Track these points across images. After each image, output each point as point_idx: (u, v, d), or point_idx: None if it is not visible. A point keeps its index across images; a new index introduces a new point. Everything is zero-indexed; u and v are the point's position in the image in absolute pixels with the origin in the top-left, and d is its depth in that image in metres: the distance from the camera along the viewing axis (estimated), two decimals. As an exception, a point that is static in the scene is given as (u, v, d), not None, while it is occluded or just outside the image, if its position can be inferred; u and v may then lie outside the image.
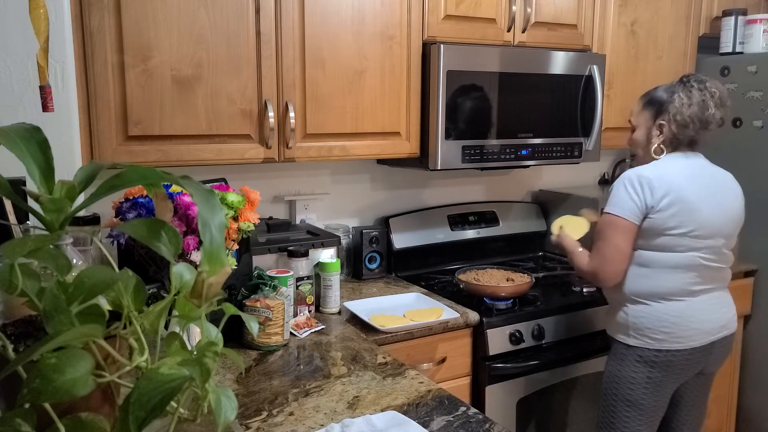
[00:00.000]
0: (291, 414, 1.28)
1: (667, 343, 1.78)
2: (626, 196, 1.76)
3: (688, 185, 1.77)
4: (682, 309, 1.79)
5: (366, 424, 1.19)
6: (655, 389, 1.81)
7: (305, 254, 1.85)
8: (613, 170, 2.99)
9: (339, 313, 1.94)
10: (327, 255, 1.95)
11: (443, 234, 2.49)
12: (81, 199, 0.75)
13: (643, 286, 1.80)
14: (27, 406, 0.61)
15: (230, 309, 0.77)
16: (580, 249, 1.91)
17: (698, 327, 1.80)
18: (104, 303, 0.71)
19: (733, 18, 2.67)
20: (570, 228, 2.05)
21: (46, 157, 0.73)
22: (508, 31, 2.22)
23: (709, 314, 1.82)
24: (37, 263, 0.73)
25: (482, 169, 2.25)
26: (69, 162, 1.50)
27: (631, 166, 1.91)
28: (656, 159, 1.84)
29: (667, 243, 1.77)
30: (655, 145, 1.85)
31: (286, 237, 1.96)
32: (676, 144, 1.84)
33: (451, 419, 1.26)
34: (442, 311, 1.91)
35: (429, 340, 1.89)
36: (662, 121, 1.83)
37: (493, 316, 1.98)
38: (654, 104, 1.86)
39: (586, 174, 2.97)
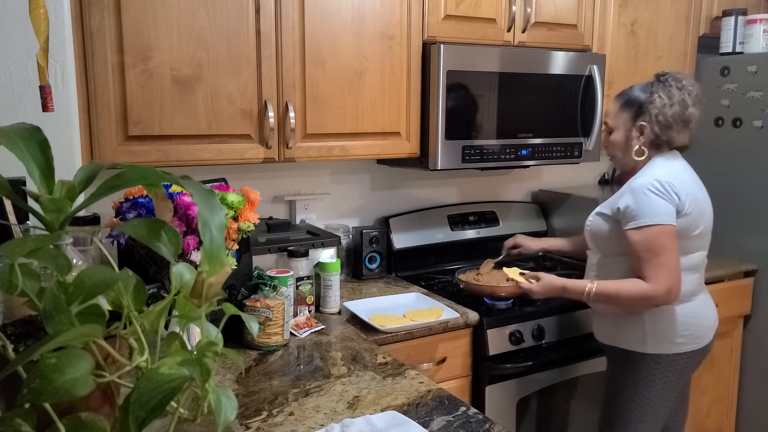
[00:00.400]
0: (291, 414, 1.28)
1: (686, 345, 1.78)
2: (662, 202, 1.68)
3: (695, 185, 1.78)
4: (696, 309, 1.81)
5: (366, 424, 1.19)
6: (671, 392, 1.81)
7: (305, 254, 1.85)
8: (613, 170, 2.99)
9: (339, 313, 1.94)
10: (327, 255, 1.95)
11: (443, 234, 2.49)
12: (81, 199, 0.75)
13: None
14: (27, 406, 0.61)
15: (230, 309, 0.77)
16: (592, 283, 1.76)
17: (708, 324, 1.83)
18: (104, 303, 0.71)
19: (733, 18, 2.67)
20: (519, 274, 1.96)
21: (46, 157, 0.73)
22: (508, 31, 2.22)
23: (710, 310, 1.86)
24: (37, 263, 0.73)
25: (482, 169, 2.25)
26: (69, 162, 1.50)
27: (615, 170, 1.90)
28: (637, 161, 1.81)
29: (687, 246, 1.76)
30: (636, 147, 1.81)
31: (286, 237, 1.96)
32: (658, 144, 1.81)
33: (451, 419, 1.26)
34: (442, 311, 1.91)
35: (429, 340, 1.89)
36: (643, 122, 1.78)
37: (493, 316, 1.98)
38: (632, 105, 1.81)
39: (586, 174, 2.97)
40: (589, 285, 1.77)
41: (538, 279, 1.88)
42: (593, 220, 1.85)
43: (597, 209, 1.85)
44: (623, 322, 1.81)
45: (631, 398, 1.80)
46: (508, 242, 2.26)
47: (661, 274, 1.67)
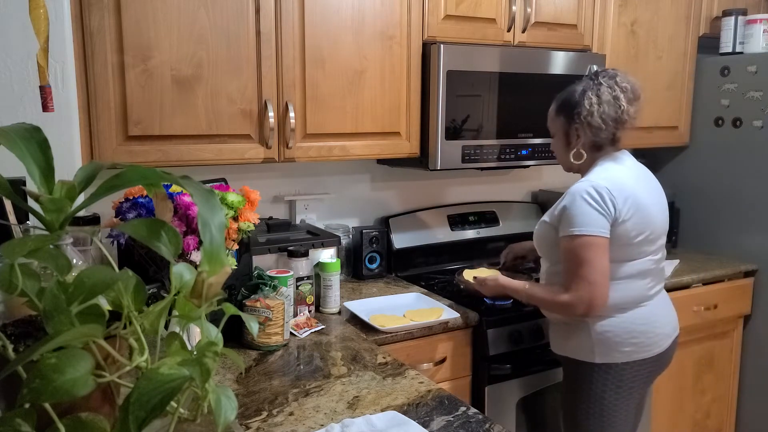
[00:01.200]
0: (291, 414, 1.28)
1: (636, 354, 1.71)
2: (593, 212, 1.62)
3: (638, 188, 1.69)
4: (647, 315, 1.73)
5: (366, 424, 1.19)
6: (626, 403, 1.74)
7: (305, 254, 1.85)
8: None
9: (339, 313, 1.94)
10: (327, 255, 1.95)
11: (443, 234, 2.49)
12: (81, 199, 0.75)
13: (609, 299, 1.68)
14: (27, 406, 0.61)
15: (230, 309, 0.76)
16: (528, 285, 1.79)
17: (661, 331, 1.75)
18: (104, 303, 0.71)
19: (733, 18, 2.67)
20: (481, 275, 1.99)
21: (46, 157, 0.73)
22: (508, 31, 2.22)
23: (665, 316, 1.79)
24: (37, 263, 0.73)
25: (482, 169, 2.25)
26: (69, 162, 1.50)
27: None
28: (576, 164, 1.77)
29: (629, 252, 1.69)
30: (574, 150, 1.76)
31: (286, 237, 1.96)
32: (598, 146, 1.75)
33: (451, 419, 1.26)
34: (442, 311, 1.91)
35: (429, 340, 1.89)
36: (576, 125, 1.72)
37: (493, 316, 1.98)
38: (565, 108, 1.74)
39: (586, 174, 2.97)
40: (523, 287, 1.78)
41: (485, 282, 1.90)
42: (538, 228, 1.81)
43: (543, 217, 1.81)
44: (572, 331, 1.75)
45: (587, 411, 1.74)
46: (503, 253, 2.24)
47: (579, 286, 1.63)
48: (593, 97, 1.68)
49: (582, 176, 1.77)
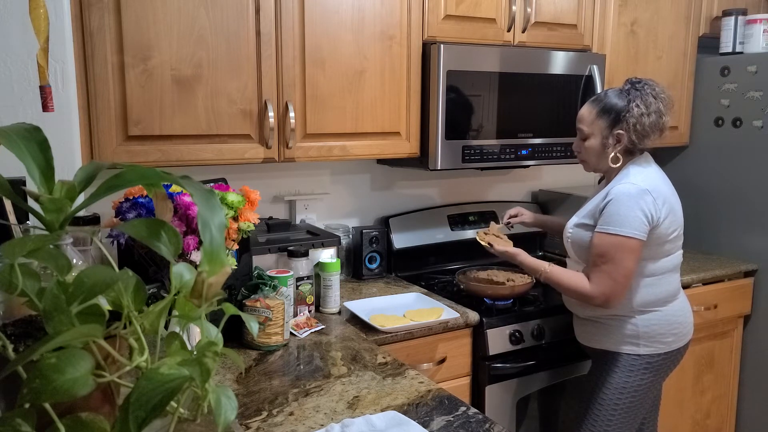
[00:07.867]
0: (291, 414, 1.28)
1: (675, 343, 1.83)
2: (633, 213, 1.69)
3: (668, 188, 1.80)
4: (682, 307, 1.87)
5: (366, 424, 1.19)
6: (655, 390, 1.85)
7: (305, 254, 1.85)
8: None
9: (339, 313, 1.94)
10: (327, 255, 1.96)
11: (443, 234, 2.49)
12: (81, 199, 0.75)
13: (653, 294, 1.81)
14: (27, 406, 0.61)
15: (230, 309, 0.76)
16: (550, 266, 1.83)
17: (690, 320, 1.89)
18: (104, 303, 0.71)
19: (733, 18, 2.67)
20: (500, 242, 1.99)
21: (46, 157, 0.73)
22: (508, 31, 2.22)
23: (689, 306, 1.92)
24: (37, 263, 0.73)
25: (482, 169, 2.25)
26: (69, 162, 1.50)
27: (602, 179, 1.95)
28: (612, 167, 1.82)
29: (666, 249, 1.80)
30: (612, 154, 1.80)
31: (286, 237, 1.96)
32: (632, 151, 1.82)
33: (451, 419, 1.26)
34: (442, 311, 1.91)
35: (429, 340, 1.89)
36: (620, 131, 1.77)
37: (493, 316, 1.98)
38: (609, 113, 1.78)
39: (586, 174, 2.95)
40: (545, 267, 1.84)
41: (505, 253, 1.95)
42: (575, 232, 1.84)
43: (576, 220, 1.85)
44: (613, 326, 1.83)
45: (624, 403, 1.81)
46: (511, 211, 2.22)
47: (602, 281, 1.73)
48: (642, 107, 1.75)
49: (609, 178, 1.86)
